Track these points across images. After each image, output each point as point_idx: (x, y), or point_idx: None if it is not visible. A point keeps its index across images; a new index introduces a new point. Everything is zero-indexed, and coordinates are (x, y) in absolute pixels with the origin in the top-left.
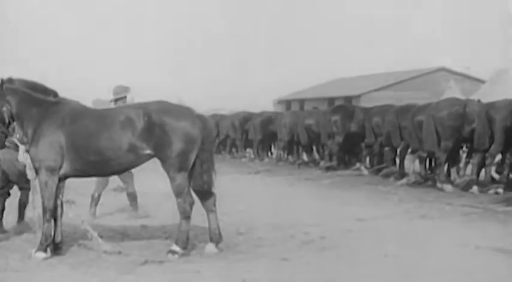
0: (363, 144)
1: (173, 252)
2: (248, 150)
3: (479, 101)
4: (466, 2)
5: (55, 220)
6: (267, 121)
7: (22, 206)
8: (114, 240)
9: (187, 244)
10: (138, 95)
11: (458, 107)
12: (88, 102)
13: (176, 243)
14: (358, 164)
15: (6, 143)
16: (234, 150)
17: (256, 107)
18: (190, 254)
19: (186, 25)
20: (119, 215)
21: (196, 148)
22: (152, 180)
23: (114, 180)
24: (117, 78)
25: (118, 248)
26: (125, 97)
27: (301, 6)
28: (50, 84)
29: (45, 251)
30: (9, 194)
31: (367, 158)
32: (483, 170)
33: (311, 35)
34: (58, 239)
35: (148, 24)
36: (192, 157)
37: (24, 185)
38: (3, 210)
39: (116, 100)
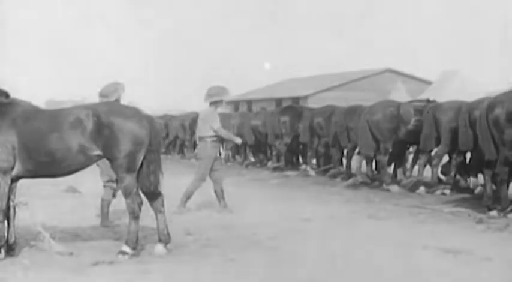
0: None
1: (123, 252)
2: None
3: (428, 100)
4: (413, 3)
5: (8, 221)
6: None
7: None
8: (66, 241)
9: (137, 244)
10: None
11: (393, 108)
12: (41, 103)
13: (126, 243)
14: (304, 166)
15: None
16: (184, 150)
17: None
18: (140, 254)
19: (137, 26)
20: (71, 215)
21: (144, 149)
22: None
23: (65, 181)
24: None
25: (70, 249)
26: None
27: (245, 5)
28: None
29: None
30: None
31: (313, 159)
32: (430, 171)
33: (259, 36)
34: (11, 240)
35: (97, 22)
36: (140, 158)
37: None
38: None
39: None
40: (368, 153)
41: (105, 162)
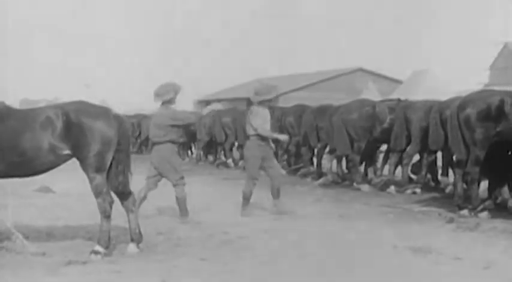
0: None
1: (96, 252)
2: None
3: (399, 99)
4: (387, 2)
5: None
6: None
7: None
8: (39, 241)
9: (109, 244)
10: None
11: (368, 107)
12: (16, 102)
13: (98, 243)
14: None
15: None
16: None
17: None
18: (113, 254)
19: (112, 25)
20: (44, 215)
21: (113, 148)
22: (74, 180)
23: (37, 180)
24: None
25: (43, 249)
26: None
27: (219, 4)
28: None
29: None
30: None
31: (283, 158)
32: (400, 170)
33: (231, 35)
34: None
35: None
36: (109, 157)
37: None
38: None
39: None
40: (345, 152)
41: (170, 161)
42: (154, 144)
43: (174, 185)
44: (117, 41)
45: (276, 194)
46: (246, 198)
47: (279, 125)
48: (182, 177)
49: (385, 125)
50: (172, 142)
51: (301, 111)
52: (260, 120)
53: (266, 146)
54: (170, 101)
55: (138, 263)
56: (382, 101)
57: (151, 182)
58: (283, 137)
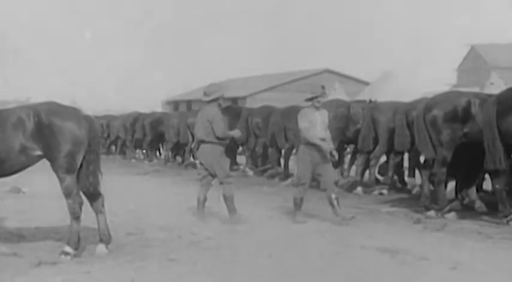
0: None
1: (65, 253)
2: (138, 150)
3: (370, 101)
4: (354, 4)
5: None
6: (157, 122)
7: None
8: (9, 241)
9: (78, 245)
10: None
11: (343, 108)
12: None
13: (68, 244)
14: (242, 166)
15: None
16: (125, 150)
17: (145, 108)
18: (82, 254)
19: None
20: (14, 216)
21: (83, 149)
22: (45, 181)
23: (8, 181)
24: None
25: (13, 249)
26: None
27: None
28: None
29: None
30: None
31: (251, 159)
32: (367, 171)
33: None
34: None
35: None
36: (80, 158)
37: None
38: None
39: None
40: None
41: (217, 159)
42: (200, 143)
43: (221, 183)
44: (80, 42)
45: (330, 201)
46: (297, 204)
47: (245, 125)
48: (230, 176)
49: (359, 126)
50: (219, 140)
51: (268, 113)
52: (301, 122)
53: (316, 150)
54: (217, 100)
55: (107, 263)
56: (355, 102)
57: (205, 183)
58: (326, 146)
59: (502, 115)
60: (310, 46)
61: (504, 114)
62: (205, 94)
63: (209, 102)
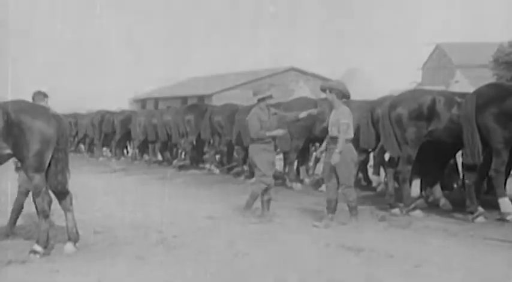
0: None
1: (35, 251)
2: (105, 149)
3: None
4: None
5: None
6: (127, 120)
7: None
8: None
9: (47, 243)
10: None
11: (309, 106)
12: None
13: (37, 242)
14: (208, 164)
15: None
16: (93, 148)
17: (112, 106)
18: (51, 253)
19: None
20: None
21: (52, 148)
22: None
23: None
24: None
25: None
26: None
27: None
28: None
29: None
30: None
31: (216, 157)
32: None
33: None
34: None
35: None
36: (48, 156)
37: None
38: None
39: None
40: (285, 150)
41: (255, 158)
42: (250, 141)
43: (255, 182)
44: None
45: (350, 210)
46: (352, 207)
47: (208, 123)
48: (264, 175)
49: (325, 124)
50: (259, 140)
51: (230, 111)
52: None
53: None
54: (263, 100)
55: (76, 262)
56: (322, 100)
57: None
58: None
59: (480, 110)
60: (275, 44)
61: (483, 109)
62: (254, 94)
63: (258, 101)
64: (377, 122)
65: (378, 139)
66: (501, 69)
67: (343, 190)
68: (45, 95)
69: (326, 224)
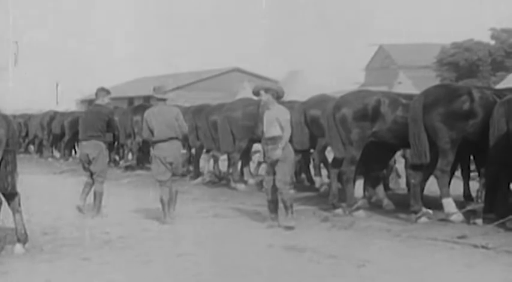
0: None
1: None
2: (54, 149)
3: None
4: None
5: None
6: (75, 121)
7: None
8: None
9: None
10: None
11: (253, 107)
12: None
13: None
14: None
15: None
16: (42, 149)
17: (60, 107)
18: (0, 254)
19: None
20: None
21: (2, 149)
22: None
23: None
24: None
25: None
26: None
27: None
28: None
29: None
30: None
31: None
32: None
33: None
34: None
35: None
36: None
37: None
38: None
39: None
40: (228, 150)
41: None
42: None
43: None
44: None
45: (285, 209)
46: (271, 207)
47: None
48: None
49: None
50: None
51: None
52: None
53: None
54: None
55: (24, 263)
56: None
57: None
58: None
59: (428, 110)
60: (219, 45)
61: (430, 109)
62: (153, 89)
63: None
64: (311, 123)
65: (313, 139)
66: (444, 70)
67: (279, 186)
68: (108, 92)
69: (269, 224)
